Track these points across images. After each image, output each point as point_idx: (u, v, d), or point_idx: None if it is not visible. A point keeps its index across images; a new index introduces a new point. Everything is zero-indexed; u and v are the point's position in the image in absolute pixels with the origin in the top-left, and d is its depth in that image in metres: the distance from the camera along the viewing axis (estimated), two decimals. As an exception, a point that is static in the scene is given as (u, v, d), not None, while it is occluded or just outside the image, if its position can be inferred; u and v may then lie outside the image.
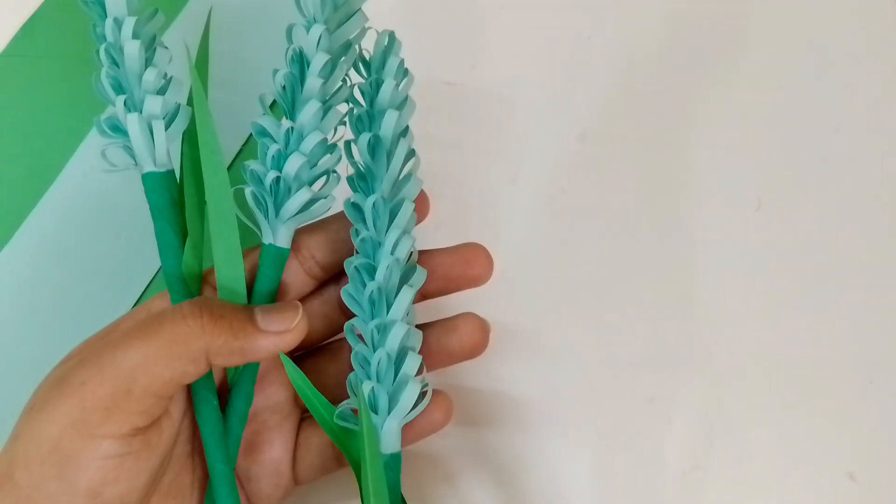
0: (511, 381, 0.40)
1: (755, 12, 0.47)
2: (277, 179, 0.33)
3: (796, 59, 0.46)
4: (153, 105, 0.33)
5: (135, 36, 0.33)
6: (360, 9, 0.34)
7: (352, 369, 0.36)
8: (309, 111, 0.33)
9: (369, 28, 0.34)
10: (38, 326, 0.41)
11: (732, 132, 0.45)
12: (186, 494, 0.34)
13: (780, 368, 0.41)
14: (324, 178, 0.34)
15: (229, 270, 0.34)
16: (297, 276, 0.35)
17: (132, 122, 0.33)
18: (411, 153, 0.34)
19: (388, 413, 0.32)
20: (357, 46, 0.35)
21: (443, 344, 0.34)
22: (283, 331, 0.32)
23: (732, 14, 0.47)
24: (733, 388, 0.40)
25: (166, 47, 0.34)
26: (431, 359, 0.34)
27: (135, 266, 0.42)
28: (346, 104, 0.35)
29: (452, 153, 0.43)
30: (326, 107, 0.33)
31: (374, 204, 0.32)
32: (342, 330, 0.36)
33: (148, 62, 0.33)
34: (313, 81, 0.33)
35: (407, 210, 0.32)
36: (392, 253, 0.32)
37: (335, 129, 0.34)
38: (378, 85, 0.32)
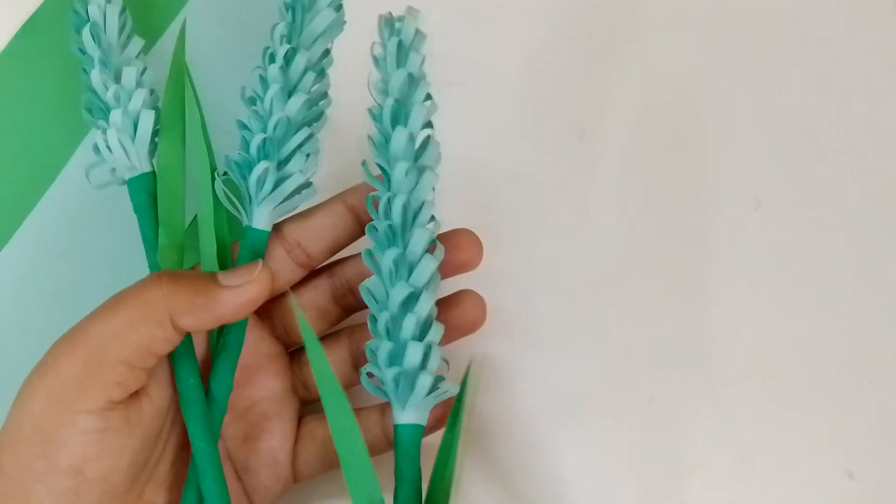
0: (510, 379, 0.40)
1: (755, 12, 0.47)
2: (246, 161, 0.35)
3: (796, 59, 0.46)
4: (115, 117, 0.36)
5: (102, 64, 0.37)
6: (328, 6, 0.36)
7: (352, 360, 0.37)
8: (269, 94, 0.34)
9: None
10: (38, 326, 0.41)
11: (732, 132, 0.45)
12: (182, 484, 0.34)
13: (780, 368, 0.41)
14: (299, 158, 0.35)
15: (211, 251, 0.35)
16: (285, 264, 0.35)
17: (99, 138, 0.36)
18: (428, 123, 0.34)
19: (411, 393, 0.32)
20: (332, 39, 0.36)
21: (445, 319, 0.34)
22: (244, 283, 0.32)
23: (732, 14, 0.47)
24: (733, 387, 0.40)
25: (142, 66, 0.37)
26: None
27: (135, 265, 0.41)
28: (328, 98, 0.36)
29: (452, 153, 0.43)
30: (290, 91, 0.35)
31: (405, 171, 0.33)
32: (337, 321, 0.37)
33: (116, 80, 0.37)
34: (273, 68, 0.35)
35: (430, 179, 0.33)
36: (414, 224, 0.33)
37: (318, 120, 0.36)
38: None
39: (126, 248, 0.42)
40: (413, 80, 0.33)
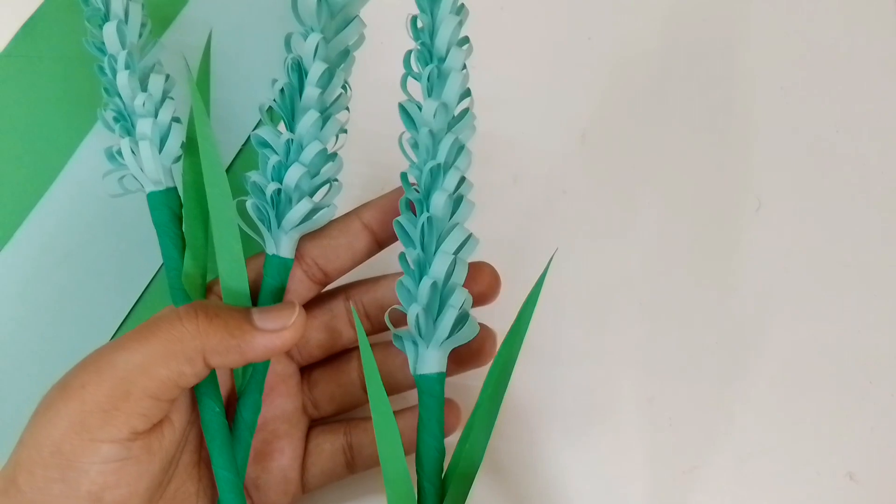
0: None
1: (755, 12, 0.47)
2: (278, 191, 0.33)
3: (796, 59, 0.46)
4: (143, 126, 0.34)
5: (126, 67, 0.34)
6: (357, 16, 0.34)
7: (360, 382, 0.37)
8: (307, 121, 0.33)
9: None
10: (38, 326, 0.41)
11: (733, 132, 0.45)
12: (189, 500, 0.34)
13: (781, 368, 0.41)
14: (325, 187, 0.34)
15: (233, 281, 0.34)
16: (302, 284, 0.35)
17: (125, 147, 0.34)
18: (467, 92, 0.33)
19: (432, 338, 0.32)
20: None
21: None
22: (279, 328, 0.32)
23: (732, 14, 0.47)
24: (733, 387, 0.40)
25: (165, 74, 0.36)
26: None
27: (135, 265, 0.42)
28: (346, 111, 0.35)
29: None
30: (325, 116, 0.34)
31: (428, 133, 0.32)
32: (351, 343, 0.37)
33: (143, 87, 0.35)
34: (311, 91, 0.33)
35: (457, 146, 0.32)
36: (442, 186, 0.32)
37: (336, 138, 0.35)
38: (435, 17, 0.32)
39: (126, 247, 0.42)
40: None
